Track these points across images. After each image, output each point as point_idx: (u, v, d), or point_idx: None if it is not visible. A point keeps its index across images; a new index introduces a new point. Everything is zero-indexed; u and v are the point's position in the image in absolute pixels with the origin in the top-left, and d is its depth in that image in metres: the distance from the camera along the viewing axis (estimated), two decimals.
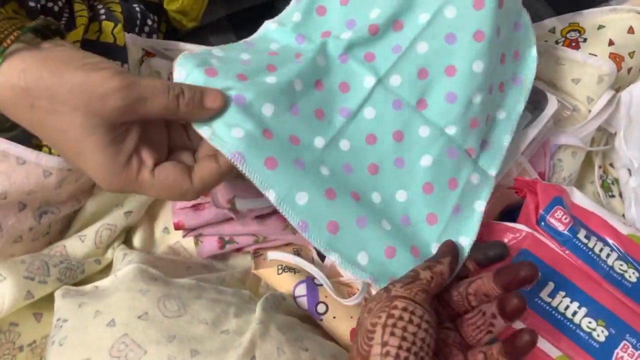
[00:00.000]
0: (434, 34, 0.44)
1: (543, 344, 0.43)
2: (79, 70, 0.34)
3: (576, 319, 0.43)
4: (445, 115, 0.44)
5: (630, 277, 0.45)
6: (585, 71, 0.56)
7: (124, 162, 0.36)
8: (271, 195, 0.38)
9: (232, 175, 0.39)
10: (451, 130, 0.43)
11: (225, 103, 0.38)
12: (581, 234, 0.46)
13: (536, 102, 0.52)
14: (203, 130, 0.38)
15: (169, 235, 0.56)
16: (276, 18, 0.48)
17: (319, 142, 0.42)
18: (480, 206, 0.44)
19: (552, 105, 0.52)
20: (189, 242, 0.55)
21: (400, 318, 0.34)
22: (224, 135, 0.38)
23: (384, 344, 0.33)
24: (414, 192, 0.43)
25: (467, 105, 0.43)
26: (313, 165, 0.40)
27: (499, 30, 0.44)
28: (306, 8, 0.47)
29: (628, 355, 0.42)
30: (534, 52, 0.49)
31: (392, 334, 0.34)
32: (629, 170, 0.59)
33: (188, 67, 0.39)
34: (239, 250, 0.55)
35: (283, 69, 0.42)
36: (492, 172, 0.46)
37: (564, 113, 0.54)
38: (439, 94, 0.44)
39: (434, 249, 0.42)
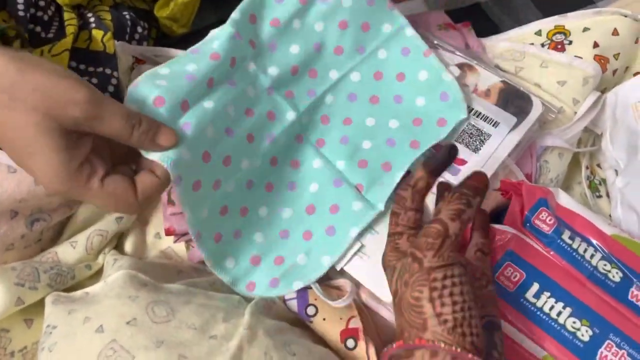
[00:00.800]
0: (339, 90, 0.54)
1: (528, 344, 0.43)
2: (46, 73, 0.35)
3: (561, 319, 0.44)
4: (337, 152, 0.52)
5: (613, 277, 0.46)
6: (571, 73, 0.57)
7: (76, 167, 0.37)
8: (186, 213, 0.44)
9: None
10: (341, 165, 0.52)
11: (176, 142, 0.41)
12: (565, 235, 0.47)
13: (521, 106, 0.53)
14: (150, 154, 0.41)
15: (161, 240, 0.56)
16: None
17: (245, 164, 0.49)
18: (354, 232, 0.49)
19: (536, 109, 0.53)
20: (180, 247, 0.56)
21: (444, 287, 0.36)
22: (169, 158, 0.41)
23: (439, 315, 0.35)
24: (298, 211, 0.51)
25: (355, 148, 0.52)
26: (225, 184, 0.47)
27: (400, 98, 0.55)
28: (242, 10, 0.50)
29: (612, 354, 0.43)
30: (462, 115, 0.53)
31: (443, 304, 0.35)
32: (616, 170, 0.59)
33: (138, 101, 0.42)
34: None
35: (220, 88, 0.47)
36: (380, 205, 0.50)
37: (549, 116, 0.54)
38: (335, 136, 0.53)
39: (299, 259, 0.49)
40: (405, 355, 0.36)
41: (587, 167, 0.62)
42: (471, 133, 0.52)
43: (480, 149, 0.52)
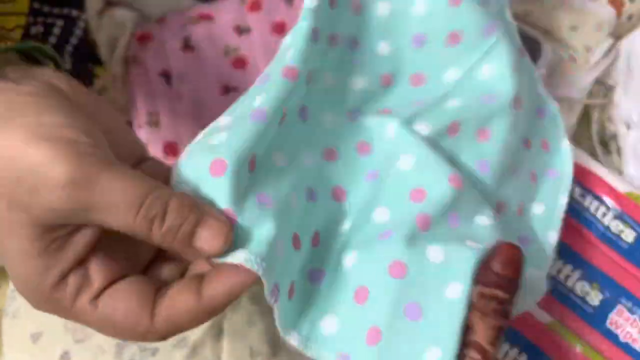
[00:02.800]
0: (465, 90, 0.38)
1: (534, 309, 0.40)
2: (14, 132, 0.23)
3: (569, 283, 0.41)
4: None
5: (626, 237, 0.43)
6: (583, 18, 0.53)
7: (55, 282, 0.24)
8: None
9: None
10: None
11: (229, 242, 0.25)
12: (576, 193, 0.44)
13: (529, 52, 0.49)
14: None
15: None
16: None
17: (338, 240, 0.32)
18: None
19: (545, 55, 0.49)
20: None
21: None
22: (253, 254, 0.26)
23: None
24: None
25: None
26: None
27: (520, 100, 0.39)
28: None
29: (623, 319, 0.40)
30: (565, 144, 0.42)
31: None
32: (628, 124, 0.56)
33: (190, 181, 0.27)
34: None
35: (290, 126, 0.32)
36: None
37: (560, 63, 0.51)
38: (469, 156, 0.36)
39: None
40: None
41: (597, 121, 0.58)
42: None
43: None
